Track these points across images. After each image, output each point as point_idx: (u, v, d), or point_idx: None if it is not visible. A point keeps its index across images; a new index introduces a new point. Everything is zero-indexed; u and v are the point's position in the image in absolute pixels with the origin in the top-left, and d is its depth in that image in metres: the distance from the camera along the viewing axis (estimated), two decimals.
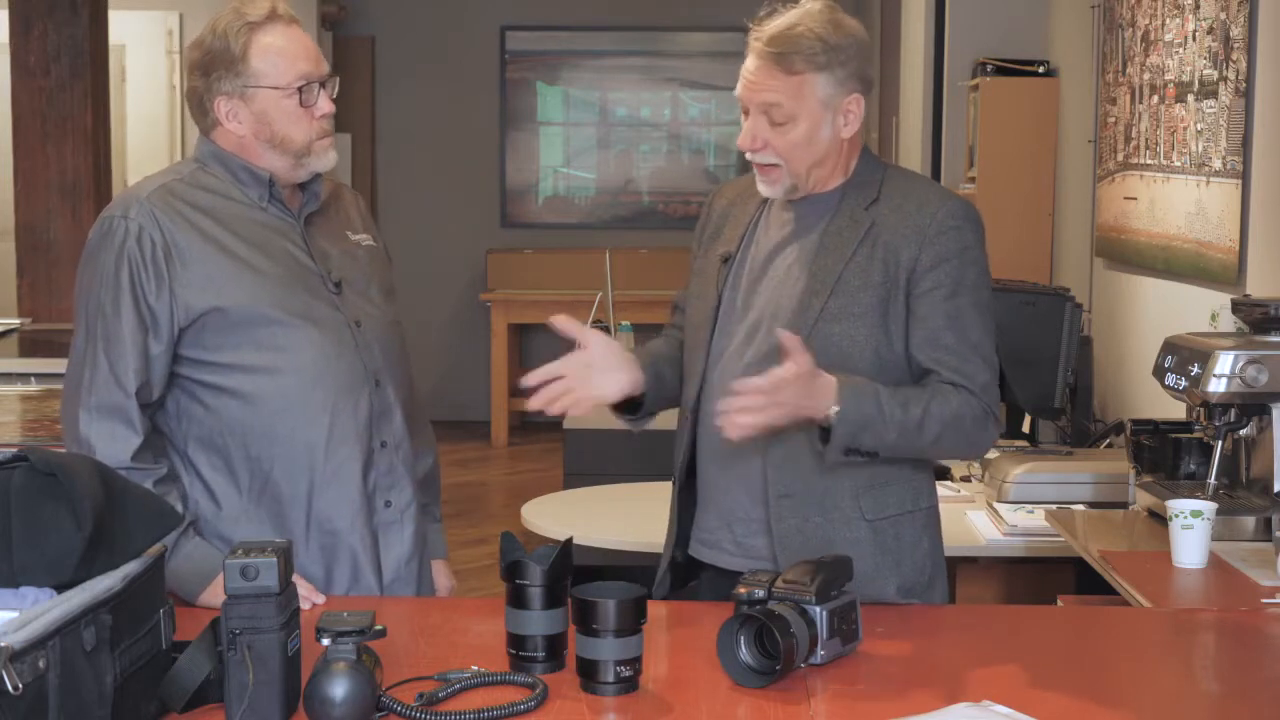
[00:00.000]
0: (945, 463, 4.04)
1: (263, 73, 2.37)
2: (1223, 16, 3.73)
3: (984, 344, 2.37)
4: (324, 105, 2.42)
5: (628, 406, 2.49)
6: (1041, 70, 5.56)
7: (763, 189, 2.42)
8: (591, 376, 2.39)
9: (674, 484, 2.51)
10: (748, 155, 2.40)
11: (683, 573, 2.52)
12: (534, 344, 9.55)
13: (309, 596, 2.27)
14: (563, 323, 2.37)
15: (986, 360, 2.36)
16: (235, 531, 2.36)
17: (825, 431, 2.27)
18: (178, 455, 2.40)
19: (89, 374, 2.33)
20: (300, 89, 2.39)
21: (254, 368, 2.36)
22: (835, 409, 2.24)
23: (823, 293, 2.35)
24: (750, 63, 2.36)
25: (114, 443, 2.31)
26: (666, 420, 2.54)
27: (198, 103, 2.43)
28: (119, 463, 2.27)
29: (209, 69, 2.39)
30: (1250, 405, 2.85)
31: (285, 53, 2.38)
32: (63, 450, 2.26)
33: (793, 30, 2.33)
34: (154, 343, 2.34)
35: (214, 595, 2.20)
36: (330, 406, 2.39)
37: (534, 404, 2.34)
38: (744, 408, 2.20)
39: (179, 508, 2.30)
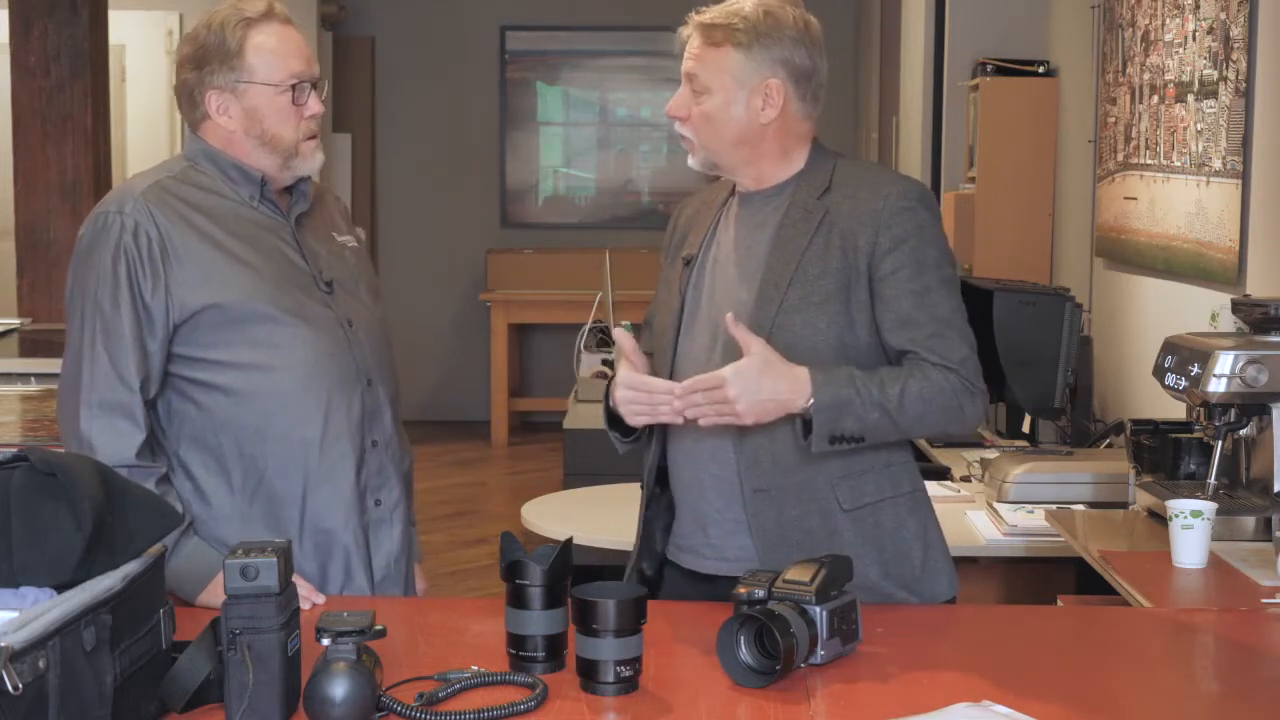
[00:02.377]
0: (945, 462, 4.04)
1: (256, 69, 2.39)
2: (1223, 16, 3.73)
3: (955, 319, 2.36)
4: (314, 105, 2.44)
5: (621, 424, 2.46)
6: (1041, 70, 5.56)
7: (689, 160, 2.48)
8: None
9: (644, 492, 2.50)
10: (675, 125, 2.45)
11: (653, 587, 2.49)
12: (534, 344, 9.55)
13: (309, 596, 2.27)
14: (624, 340, 2.41)
15: (961, 334, 2.36)
16: (228, 531, 2.36)
17: (806, 424, 2.28)
18: (166, 455, 2.39)
19: (88, 371, 2.32)
20: (293, 87, 2.40)
21: (248, 365, 2.36)
22: (811, 398, 2.25)
23: (781, 285, 2.36)
24: (686, 32, 2.44)
25: (117, 439, 2.30)
26: None
27: (188, 96, 2.43)
28: (123, 460, 2.27)
29: (202, 63, 2.40)
30: (1250, 405, 2.85)
31: (279, 51, 2.40)
32: (63, 450, 2.27)
33: (730, 7, 2.40)
34: (150, 339, 2.34)
35: (213, 595, 2.20)
36: (324, 405, 2.40)
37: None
38: (692, 405, 2.26)
39: (178, 507, 2.30)
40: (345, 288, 2.48)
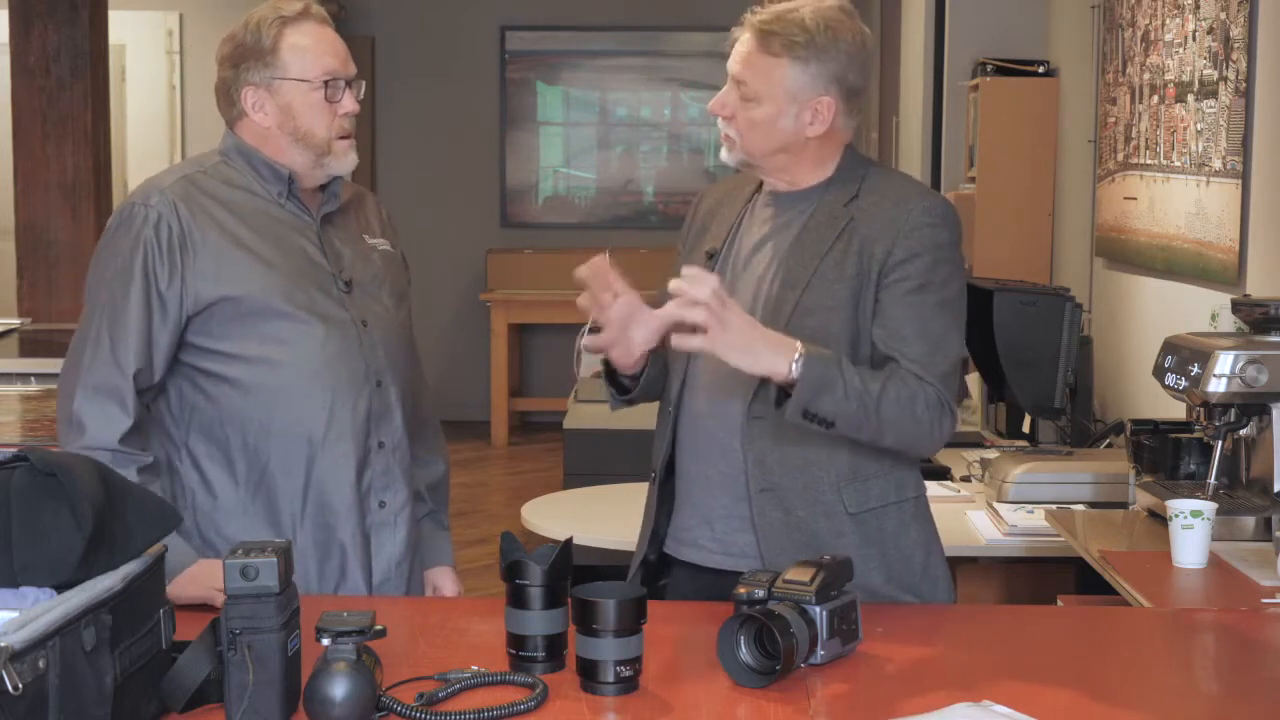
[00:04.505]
0: (945, 462, 4.04)
1: (290, 65, 2.42)
2: (1223, 16, 3.73)
3: (946, 338, 2.35)
4: (348, 103, 2.47)
5: (616, 380, 2.48)
6: (1041, 70, 5.56)
7: (723, 154, 2.46)
8: (628, 327, 2.33)
9: (652, 481, 2.51)
10: (718, 121, 2.43)
11: (654, 572, 2.51)
12: (534, 344, 9.55)
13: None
14: (599, 268, 2.29)
15: (947, 354, 2.34)
16: (230, 523, 2.39)
17: (780, 394, 2.25)
18: (175, 445, 2.43)
19: (90, 352, 2.37)
20: (326, 84, 2.43)
21: (257, 359, 2.39)
22: (799, 364, 2.20)
23: (798, 287, 2.35)
24: (740, 33, 2.40)
25: (105, 423, 2.34)
26: None
27: (225, 93, 2.47)
28: (107, 443, 2.32)
29: (239, 60, 2.44)
30: (1250, 405, 2.85)
31: (313, 49, 2.44)
32: (61, 443, 2.28)
33: (788, 13, 2.35)
34: (159, 328, 2.37)
35: (180, 588, 2.20)
36: (329, 403, 2.41)
37: (581, 300, 2.30)
38: (692, 296, 2.16)
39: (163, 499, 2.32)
40: (365, 289, 2.50)
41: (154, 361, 2.37)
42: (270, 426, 2.39)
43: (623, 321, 2.32)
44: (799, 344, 2.23)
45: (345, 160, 2.47)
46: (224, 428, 2.40)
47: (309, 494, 2.41)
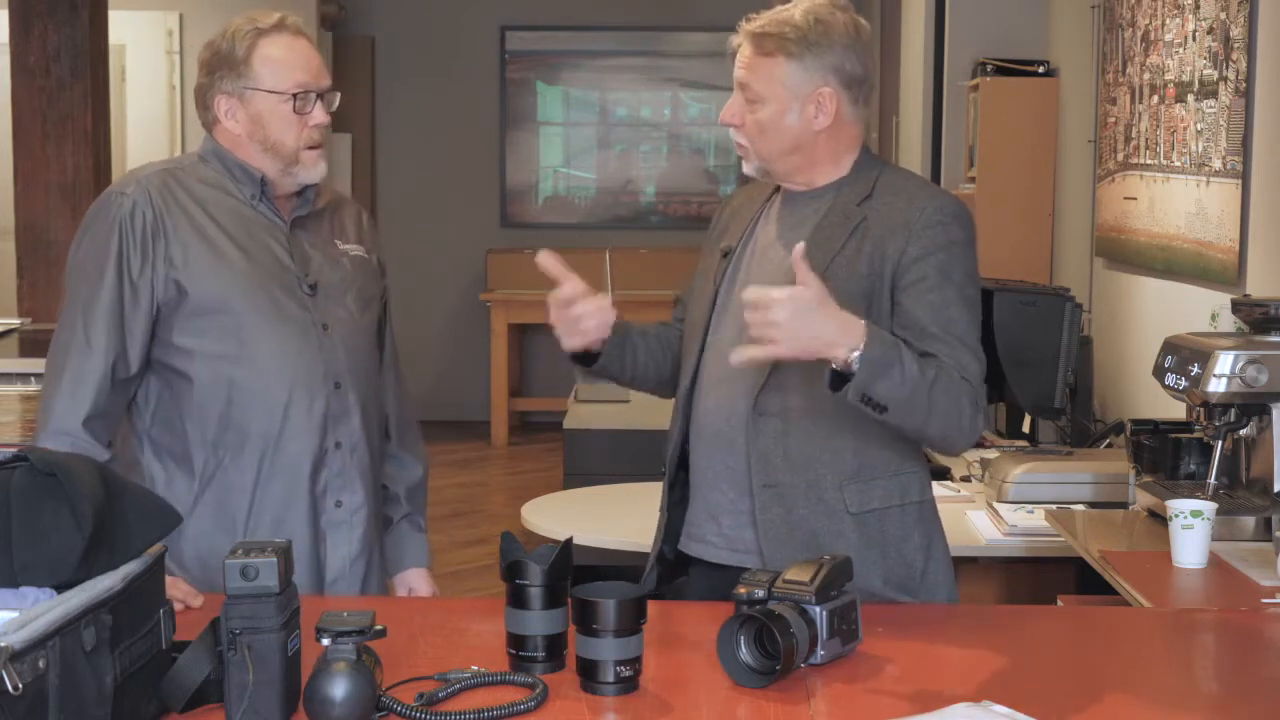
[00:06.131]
0: (945, 462, 4.04)
1: (261, 77, 2.47)
2: (1223, 16, 3.73)
3: (970, 337, 2.35)
4: (318, 115, 2.51)
5: (584, 357, 2.55)
6: (1041, 70, 5.57)
7: (744, 166, 2.49)
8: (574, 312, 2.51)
9: (665, 476, 2.52)
10: (731, 131, 2.46)
11: (671, 568, 2.52)
12: (534, 344, 9.55)
13: (185, 599, 2.25)
14: (547, 260, 2.48)
15: (974, 353, 2.35)
16: (186, 515, 2.38)
17: (835, 377, 2.19)
18: (137, 435, 2.49)
19: (67, 337, 2.43)
20: (295, 96, 2.47)
21: (216, 355, 2.44)
22: (859, 349, 2.15)
23: None
24: (738, 41, 2.43)
25: (73, 408, 2.39)
26: (665, 419, 2.54)
27: (201, 98, 2.54)
28: (69, 428, 2.37)
29: (214, 68, 2.50)
30: (1250, 405, 2.85)
31: (285, 61, 2.48)
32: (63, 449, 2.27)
33: (780, 15, 2.39)
34: (132, 314, 2.42)
35: None
36: (285, 402, 2.46)
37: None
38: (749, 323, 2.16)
39: None
40: (329, 293, 2.54)
41: (129, 349, 2.42)
42: (229, 421, 2.44)
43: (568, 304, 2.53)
44: (861, 326, 2.17)
45: (314, 170, 2.52)
46: (183, 420, 2.45)
47: (259, 490, 2.45)
